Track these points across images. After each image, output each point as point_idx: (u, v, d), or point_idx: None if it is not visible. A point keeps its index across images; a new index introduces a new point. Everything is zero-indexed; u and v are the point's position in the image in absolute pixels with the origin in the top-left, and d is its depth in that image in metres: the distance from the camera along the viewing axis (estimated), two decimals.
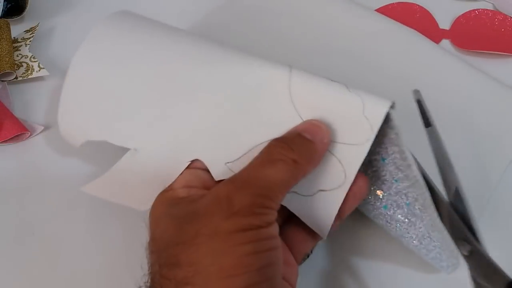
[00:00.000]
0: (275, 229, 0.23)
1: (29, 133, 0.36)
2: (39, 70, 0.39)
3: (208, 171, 0.26)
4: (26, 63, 0.40)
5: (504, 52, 0.40)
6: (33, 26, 0.43)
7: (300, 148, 0.24)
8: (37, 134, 0.36)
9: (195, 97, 0.28)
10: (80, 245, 0.31)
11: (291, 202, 0.26)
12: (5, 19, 0.41)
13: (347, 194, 0.25)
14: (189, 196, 0.24)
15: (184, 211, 0.23)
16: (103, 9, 0.46)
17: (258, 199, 0.22)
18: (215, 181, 0.26)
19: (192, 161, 0.27)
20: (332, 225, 0.25)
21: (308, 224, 0.26)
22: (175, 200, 0.24)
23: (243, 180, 0.23)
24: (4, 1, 0.43)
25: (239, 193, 0.22)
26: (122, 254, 0.30)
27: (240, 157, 0.26)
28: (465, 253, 0.24)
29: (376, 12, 0.43)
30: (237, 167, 0.24)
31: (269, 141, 0.25)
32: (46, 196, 0.33)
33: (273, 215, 0.23)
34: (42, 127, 0.36)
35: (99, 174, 0.28)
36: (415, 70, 0.38)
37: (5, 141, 0.36)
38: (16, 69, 0.39)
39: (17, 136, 0.36)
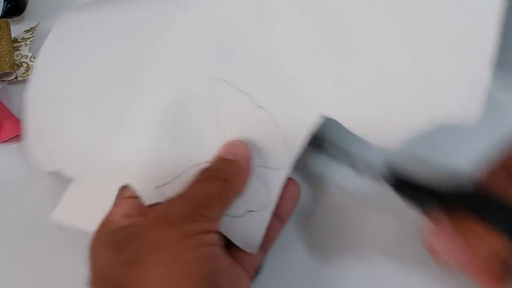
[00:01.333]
0: (214, 238, 0.23)
1: None
2: None
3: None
4: (26, 63, 0.40)
5: None
6: (33, 26, 0.43)
7: (227, 168, 0.26)
8: None
9: (123, 123, 0.29)
10: (80, 245, 0.31)
11: (223, 225, 0.26)
12: (5, 19, 0.41)
13: (283, 199, 0.27)
14: (131, 224, 0.24)
15: (123, 235, 0.23)
16: None
17: (194, 207, 0.23)
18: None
19: (124, 191, 0.27)
20: (269, 238, 0.27)
21: (236, 242, 0.27)
22: (116, 230, 0.24)
23: (179, 195, 0.24)
24: (4, 1, 0.43)
25: (176, 205, 0.23)
26: None
27: (171, 181, 0.27)
28: None
29: None
30: (169, 191, 0.26)
31: (199, 165, 0.27)
32: (46, 196, 0.33)
33: (211, 225, 0.24)
34: None
35: None
36: None
37: (5, 141, 0.36)
38: (16, 69, 0.39)
39: (17, 136, 0.36)
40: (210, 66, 0.29)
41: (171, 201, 0.24)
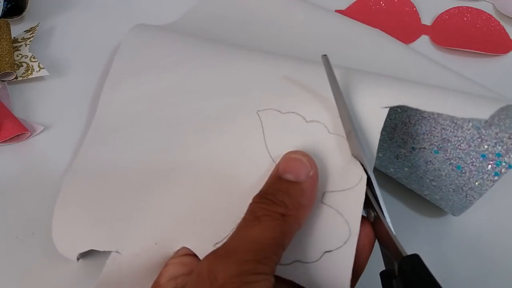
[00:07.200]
0: None
1: (29, 133, 0.36)
2: (39, 70, 0.39)
3: (195, 255, 0.24)
4: (26, 63, 0.40)
5: (483, 51, 0.39)
6: (33, 26, 0.43)
7: (285, 197, 0.21)
8: (37, 134, 0.36)
9: (169, 181, 0.27)
10: None
11: (296, 273, 0.22)
12: (5, 19, 0.41)
13: (357, 248, 0.22)
14: (175, 287, 0.22)
15: None
16: (103, 9, 0.46)
17: (247, 265, 0.19)
18: None
19: (180, 250, 0.25)
20: None
21: None
22: None
23: (226, 247, 0.20)
24: (4, 1, 0.43)
25: (222, 263, 0.19)
26: None
27: (228, 234, 0.23)
28: (371, 220, 0.22)
29: (337, 13, 0.42)
30: None
31: None
32: (46, 196, 0.33)
33: (269, 282, 0.19)
34: (42, 127, 0.36)
35: None
36: (383, 72, 0.37)
37: (5, 141, 0.36)
38: (16, 69, 0.39)
39: (17, 136, 0.36)
40: (258, 102, 0.26)
41: (217, 256, 0.20)
